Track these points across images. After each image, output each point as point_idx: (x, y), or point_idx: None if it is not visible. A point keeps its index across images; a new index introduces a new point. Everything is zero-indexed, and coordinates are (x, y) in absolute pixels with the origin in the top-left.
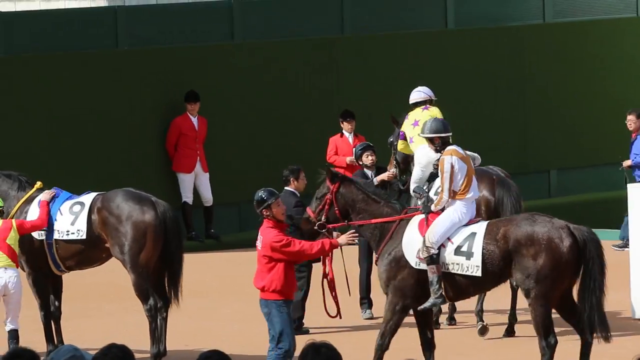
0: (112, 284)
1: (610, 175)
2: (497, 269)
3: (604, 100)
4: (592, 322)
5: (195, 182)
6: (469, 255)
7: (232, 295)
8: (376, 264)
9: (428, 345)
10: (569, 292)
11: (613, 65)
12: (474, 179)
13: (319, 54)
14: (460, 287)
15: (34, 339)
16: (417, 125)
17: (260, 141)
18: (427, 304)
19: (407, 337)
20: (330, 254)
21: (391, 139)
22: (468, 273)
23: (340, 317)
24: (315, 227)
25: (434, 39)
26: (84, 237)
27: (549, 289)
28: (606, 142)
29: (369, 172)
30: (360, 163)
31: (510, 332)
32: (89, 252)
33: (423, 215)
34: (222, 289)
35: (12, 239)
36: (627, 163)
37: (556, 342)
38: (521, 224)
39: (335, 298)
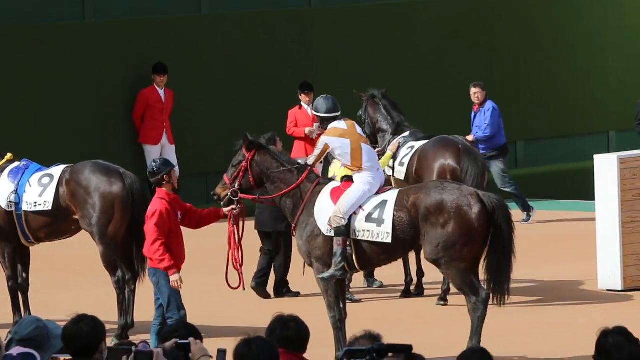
0: (80, 256)
1: (577, 146)
2: (407, 237)
3: (571, 71)
4: (502, 286)
5: (162, 154)
6: (379, 222)
7: (196, 266)
8: (293, 235)
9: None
10: (476, 261)
11: (580, 36)
12: (366, 147)
13: (287, 26)
14: (370, 254)
15: (1, 309)
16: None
17: (227, 113)
18: (325, 274)
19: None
20: (234, 223)
21: (359, 113)
22: (378, 240)
23: (244, 289)
24: (229, 194)
25: (399, 11)
26: (50, 208)
27: (459, 254)
28: (574, 113)
29: None
30: None
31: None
32: (58, 223)
33: (337, 184)
34: (186, 260)
35: None
36: (470, 138)
37: (488, 295)
38: (430, 192)
39: (237, 268)
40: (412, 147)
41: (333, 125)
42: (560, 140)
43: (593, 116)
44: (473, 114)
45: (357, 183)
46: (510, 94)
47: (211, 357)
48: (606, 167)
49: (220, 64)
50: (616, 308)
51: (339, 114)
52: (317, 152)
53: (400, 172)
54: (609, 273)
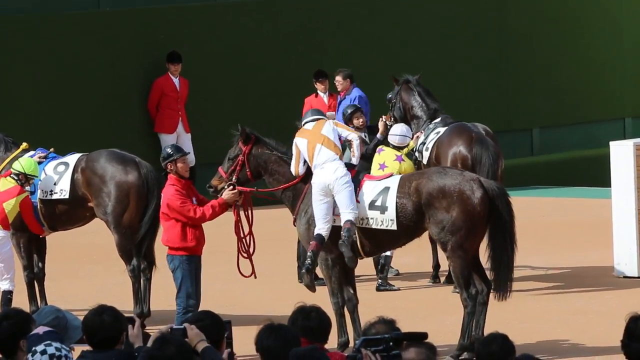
0: (95, 245)
1: (593, 133)
2: (411, 223)
3: (586, 57)
4: (505, 279)
5: (178, 142)
6: (383, 209)
7: (215, 254)
8: (294, 225)
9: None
10: (476, 251)
11: (596, 22)
12: (319, 147)
13: (300, 14)
14: (376, 241)
15: (18, 299)
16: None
17: (242, 101)
18: (301, 272)
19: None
20: (245, 213)
21: (390, 96)
22: (383, 227)
23: (255, 277)
24: (226, 187)
25: None
26: (67, 196)
27: (464, 239)
28: (589, 100)
29: (361, 133)
30: (351, 126)
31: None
32: (73, 211)
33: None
34: (205, 248)
35: (10, 205)
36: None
37: (477, 292)
38: (432, 177)
39: (248, 257)
40: (438, 133)
41: (301, 127)
42: (576, 127)
43: (609, 103)
44: (339, 101)
45: (312, 192)
46: (525, 81)
47: (207, 341)
48: (622, 154)
49: (234, 52)
50: (632, 294)
51: (313, 117)
52: (293, 156)
53: (425, 157)
54: (625, 260)
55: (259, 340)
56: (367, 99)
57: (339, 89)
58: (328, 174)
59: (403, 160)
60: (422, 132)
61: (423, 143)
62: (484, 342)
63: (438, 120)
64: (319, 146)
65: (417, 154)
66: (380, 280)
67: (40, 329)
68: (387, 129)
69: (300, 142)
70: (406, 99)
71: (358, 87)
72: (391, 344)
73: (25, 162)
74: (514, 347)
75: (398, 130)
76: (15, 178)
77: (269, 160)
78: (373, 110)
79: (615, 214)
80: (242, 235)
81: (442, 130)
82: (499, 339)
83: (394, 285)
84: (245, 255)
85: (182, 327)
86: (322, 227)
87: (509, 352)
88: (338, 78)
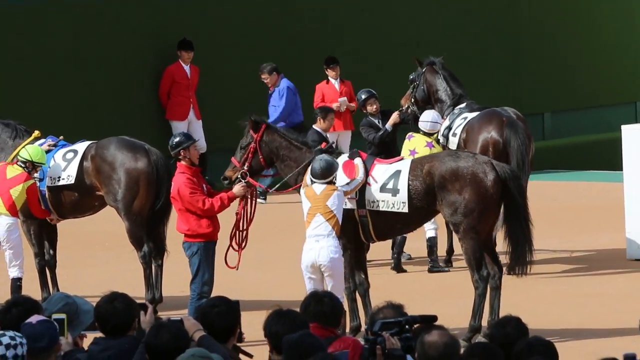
0: (107, 232)
1: (604, 117)
2: (423, 205)
3: (597, 42)
4: (524, 257)
5: (189, 130)
6: (394, 192)
7: (225, 241)
8: None
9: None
10: (489, 234)
11: (607, 7)
12: (316, 216)
13: (311, 0)
14: (387, 224)
15: (30, 287)
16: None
17: (253, 88)
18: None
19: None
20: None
21: (412, 76)
22: (395, 209)
23: (237, 269)
24: (239, 176)
25: None
26: (73, 182)
27: (477, 222)
28: (600, 84)
29: (374, 120)
30: (365, 111)
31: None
32: (80, 199)
33: (347, 157)
34: (219, 235)
35: (17, 191)
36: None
37: (489, 274)
38: (445, 160)
39: (239, 250)
40: (465, 118)
41: (312, 185)
42: (587, 111)
43: (620, 87)
44: (269, 94)
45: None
46: (536, 65)
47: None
48: (633, 138)
49: (245, 39)
50: None
51: (324, 180)
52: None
53: (453, 143)
54: (637, 243)
55: (267, 326)
56: (295, 89)
57: (268, 84)
58: (322, 252)
59: (433, 146)
60: (445, 118)
61: (449, 128)
62: (498, 325)
63: (463, 105)
64: (317, 217)
65: (441, 138)
66: (431, 263)
67: (33, 318)
68: (401, 119)
69: (303, 201)
70: (431, 81)
71: (286, 78)
72: (407, 327)
73: (32, 149)
74: (527, 330)
75: (429, 117)
76: (22, 165)
77: (280, 146)
78: (381, 95)
79: (627, 197)
80: (241, 229)
81: (469, 115)
82: (512, 321)
83: (445, 267)
84: (236, 248)
85: (179, 318)
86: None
87: (522, 335)
88: (264, 76)
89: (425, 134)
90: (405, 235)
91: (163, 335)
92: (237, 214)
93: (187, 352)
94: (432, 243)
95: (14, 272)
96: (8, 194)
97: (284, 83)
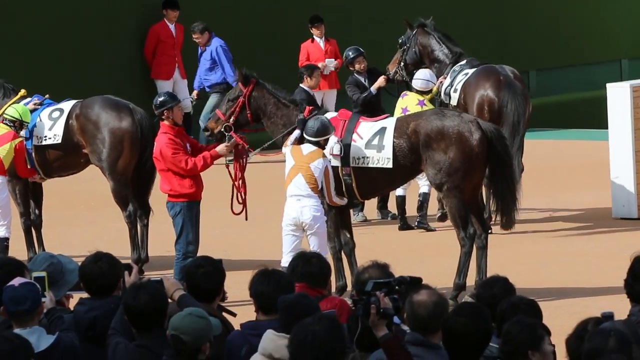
0: (92, 192)
1: (589, 75)
2: (407, 163)
3: None
4: (510, 214)
5: (174, 89)
6: (379, 148)
7: (213, 200)
8: None
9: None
10: (475, 192)
11: None
12: (297, 175)
13: None
14: (370, 182)
15: (16, 246)
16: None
17: (238, 47)
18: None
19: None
20: (240, 159)
21: (401, 40)
22: (379, 165)
23: (247, 219)
24: (222, 129)
25: None
26: (60, 141)
27: (461, 180)
28: (586, 42)
29: (361, 78)
30: (352, 69)
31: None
32: (66, 157)
33: (334, 114)
34: (203, 194)
35: (5, 150)
36: (194, 93)
37: (475, 232)
38: (431, 119)
39: (241, 202)
40: (467, 74)
41: (302, 145)
42: (572, 69)
43: (605, 44)
44: (200, 53)
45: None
46: (521, 23)
47: (184, 289)
48: (619, 96)
49: None
50: (631, 236)
51: (317, 139)
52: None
53: (454, 99)
54: (623, 201)
55: (252, 285)
56: (227, 48)
57: (199, 44)
58: (305, 211)
59: (425, 105)
60: (445, 76)
61: (450, 85)
62: (485, 285)
63: (464, 62)
64: (298, 176)
65: (443, 96)
66: (419, 218)
67: (15, 281)
68: (387, 82)
69: (287, 159)
70: (425, 42)
71: (217, 37)
72: (397, 287)
73: (21, 108)
74: (514, 290)
75: (422, 75)
76: (10, 124)
77: (267, 103)
78: (369, 56)
79: (612, 156)
80: (236, 179)
81: (470, 71)
82: (500, 281)
83: (430, 225)
84: (239, 200)
85: (159, 278)
86: (287, 261)
87: (509, 295)
88: (195, 35)
89: (418, 92)
90: (404, 194)
91: (141, 297)
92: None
93: (185, 310)
94: (423, 199)
95: (1, 232)
96: None
97: (216, 42)
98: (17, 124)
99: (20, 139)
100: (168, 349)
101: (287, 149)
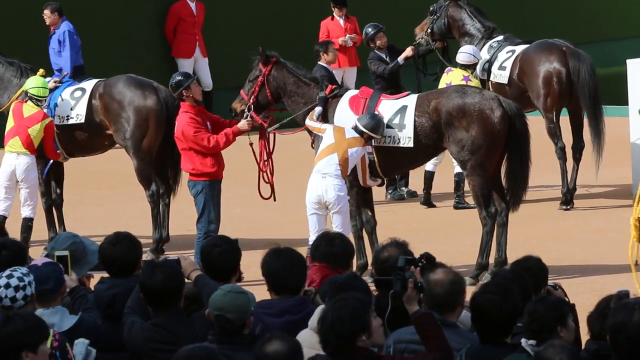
0: (114, 172)
1: (609, 50)
2: (429, 141)
3: None
4: (519, 191)
5: (195, 67)
6: (400, 127)
7: (234, 179)
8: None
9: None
10: (497, 170)
11: None
12: (333, 154)
13: None
14: (392, 160)
15: (37, 226)
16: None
17: (259, 25)
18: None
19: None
20: (266, 140)
21: (432, 8)
22: (400, 145)
23: (275, 200)
24: (244, 109)
25: None
26: (83, 121)
27: (484, 158)
28: (605, 18)
29: (382, 54)
30: (372, 46)
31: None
32: (90, 138)
33: (354, 92)
34: (224, 173)
35: (36, 130)
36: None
37: (497, 211)
38: (452, 96)
39: (268, 181)
40: (513, 52)
41: (346, 128)
42: (592, 45)
43: (625, 20)
44: (49, 36)
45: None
46: (537, 1)
47: (200, 270)
48: (639, 72)
49: None
50: None
51: (365, 129)
52: (316, 125)
53: (502, 76)
54: None
55: (264, 264)
56: (75, 32)
57: (47, 23)
58: (329, 190)
59: (470, 80)
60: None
61: (489, 62)
62: (518, 263)
63: (500, 38)
64: (334, 156)
65: (480, 72)
66: (457, 199)
67: (38, 260)
68: (416, 54)
69: (327, 135)
70: (455, 15)
71: (68, 21)
72: (424, 262)
73: (41, 82)
74: (547, 270)
75: (468, 49)
76: (39, 104)
77: (287, 81)
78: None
79: (632, 132)
80: (263, 159)
81: (516, 49)
82: (533, 259)
83: (470, 204)
84: (266, 180)
85: (176, 257)
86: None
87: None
88: (46, 12)
89: (462, 67)
90: (433, 170)
91: (157, 276)
92: (251, 145)
93: (222, 289)
94: (459, 178)
95: (26, 212)
96: (27, 132)
97: (65, 26)
98: (43, 101)
99: (50, 119)
100: (211, 330)
101: (329, 126)
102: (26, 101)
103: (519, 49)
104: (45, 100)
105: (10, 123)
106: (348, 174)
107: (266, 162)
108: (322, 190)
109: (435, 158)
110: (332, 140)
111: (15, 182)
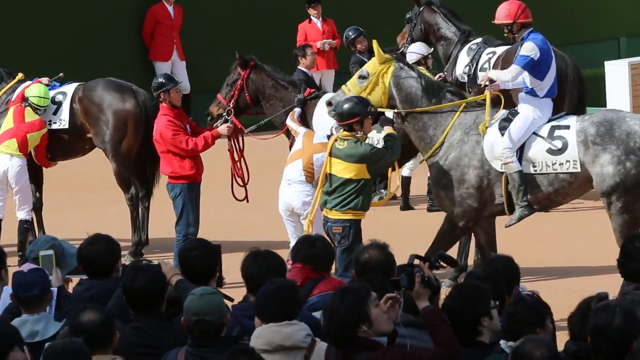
0: (93, 175)
1: (587, 52)
2: None
3: None
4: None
5: (172, 70)
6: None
7: (213, 182)
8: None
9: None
10: None
11: None
12: (297, 160)
13: None
14: None
15: (16, 229)
16: None
17: (236, 28)
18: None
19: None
20: (235, 140)
21: (409, 15)
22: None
23: (248, 201)
24: (223, 113)
25: None
26: (67, 126)
27: None
28: (583, 19)
29: (364, 58)
30: (353, 49)
31: None
32: (72, 142)
33: (332, 94)
34: (203, 176)
35: (34, 137)
36: None
37: None
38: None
39: (241, 182)
40: (494, 53)
41: (317, 138)
42: (570, 47)
43: (603, 22)
44: None
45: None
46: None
47: (181, 275)
48: (617, 73)
49: None
50: None
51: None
52: (294, 126)
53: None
54: None
55: (243, 267)
56: None
57: None
58: (294, 197)
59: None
60: (455, 54)
61: (469, 65)
62: (490, 263)
63: (478, 40)
64: (299, 161)
65: (459, 75)
66: (430, 201)
67: (25, 267)
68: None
69: (297, 140)
70: (430, 20)
71: None
72: (436, 264)
73: (44, 92)
74: (518, 269)
75: (414, 48)
76: (38, 112)
77: (266, 85)
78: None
79: None
80: (237, 160)
81: (496, 50)
82: (502, 260)
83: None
84: (240, 183)
85: (156, 263)
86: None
87: (514, 274)
88: None
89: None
90: (410, 175)
91: (140, 279)
92: (229, 150)
93: (194, 293)
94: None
95: (22, 214)
96: (25, 137)
97: None
98: (42, 111)
99: (46, 128)
100: (188, 337)
101: (302, 130)
102: (26, 107)
103: (500, 50)
104: (45, 110)
105: (8, 124)
106: (315, 179)
107: (237, 163)
108: (289, 198)
109: (411, 162)
110: (300, 145)
111: (7, 183)
